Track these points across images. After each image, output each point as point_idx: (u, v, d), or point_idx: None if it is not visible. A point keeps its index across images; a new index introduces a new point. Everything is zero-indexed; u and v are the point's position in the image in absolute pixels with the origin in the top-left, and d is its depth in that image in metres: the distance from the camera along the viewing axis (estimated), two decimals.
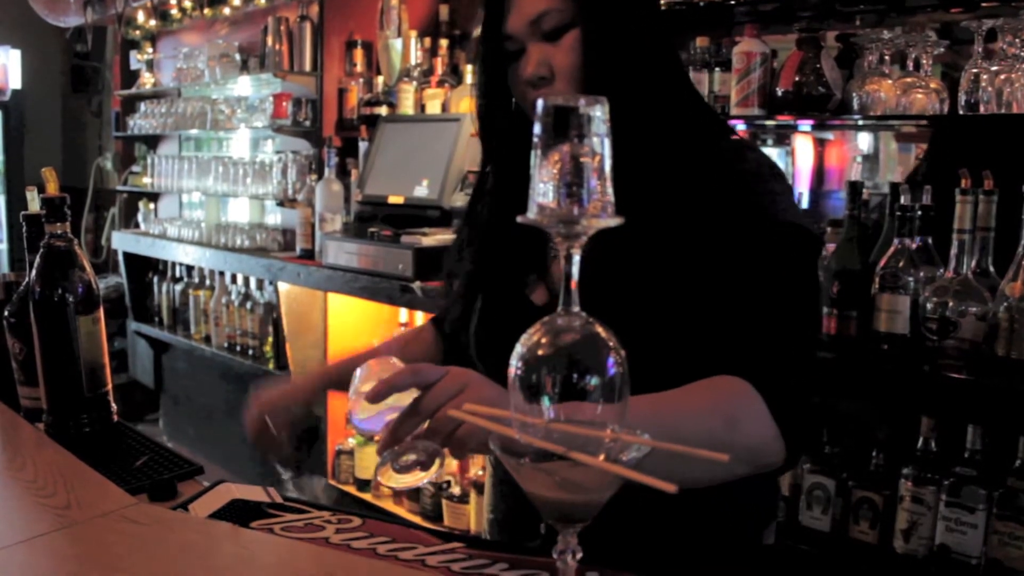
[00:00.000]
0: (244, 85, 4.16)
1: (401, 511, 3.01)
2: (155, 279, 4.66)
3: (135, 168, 4.99)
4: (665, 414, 0.91)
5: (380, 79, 3.39)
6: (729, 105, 2.24)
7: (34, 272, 1.23)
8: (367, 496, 3.18)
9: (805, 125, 2.33)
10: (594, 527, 0.72)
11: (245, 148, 4.43)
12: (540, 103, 0.67)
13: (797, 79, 2.13)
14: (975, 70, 1.86)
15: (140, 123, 4.75)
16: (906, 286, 1.79)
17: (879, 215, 2.00)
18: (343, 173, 3.36)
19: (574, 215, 0.66)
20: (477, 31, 1.20)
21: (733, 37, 2.36)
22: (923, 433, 1.82)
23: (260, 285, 3.91)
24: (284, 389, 1.21)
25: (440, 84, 3.23)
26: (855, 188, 1.91)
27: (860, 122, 2.19)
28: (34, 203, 1.32)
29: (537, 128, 0.67)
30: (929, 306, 1.76)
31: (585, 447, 0.68)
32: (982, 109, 1.84)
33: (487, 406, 0.81)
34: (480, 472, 2.75)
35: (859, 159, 2.36)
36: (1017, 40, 1.80)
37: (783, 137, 2.50)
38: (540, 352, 0.69)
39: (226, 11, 4.14)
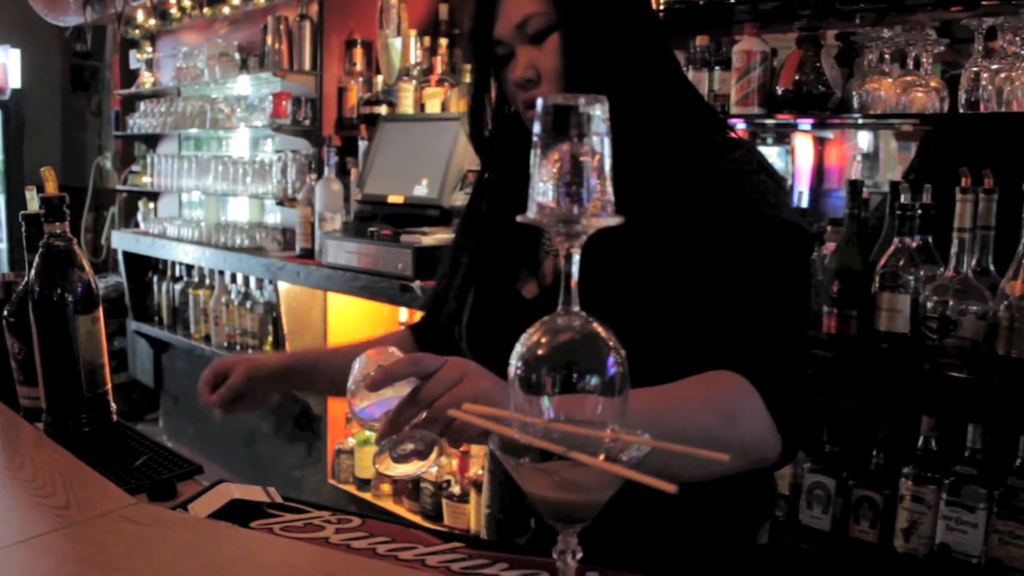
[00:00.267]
0: (244, 84, 4.15)
1: (401, 510, 3.00)
2: (155, 278, 4.65)
3: (135, 167, 4.99)
4: (662, 410, 0.92)
5: (380, 78, 3.39)
6: (729, 104, 2.24)
7: (33, 272, 1.23)
8: (367, 495, 3.18)
9: (805, 124, 2.33)
10: (594, 527, 0.72)
11: (245, 147, 4.42)
12: (540, 102, 0.67)
13: (797, 78, 2.13)
14: (975, 68, 1.86)
15: (140, 122, 4.75)
16: (906, 285, 1.79)
17: (879, 214, 2.00)
18: (343, 172, 3.36)
19: (574, 214, 0.66)
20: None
21: (733, 36, 2.36)
22: (923, 432, 1.82)
23: (260, 284, 3.91)
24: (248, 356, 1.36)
25: (440, 83, 3.23)
26: (855, 187, 1.91)
27: (860, 121, 2.19)
28: (33, 202, 1.32)
29: (537, 127, 0.67)
30: (929, 305, 1.76)
31: (585, 447, 0.68)
32: (982, 108, 1.84)
33: (485, 396, 0.83)
34: (480, 471, 2.75)
35: (859, 158, 2.35)
36: (1017, 38, 1.80)
37: (783, 136, 2.50)
38: (540, 352, 0.69)
39: (225, 10, 4.14)
